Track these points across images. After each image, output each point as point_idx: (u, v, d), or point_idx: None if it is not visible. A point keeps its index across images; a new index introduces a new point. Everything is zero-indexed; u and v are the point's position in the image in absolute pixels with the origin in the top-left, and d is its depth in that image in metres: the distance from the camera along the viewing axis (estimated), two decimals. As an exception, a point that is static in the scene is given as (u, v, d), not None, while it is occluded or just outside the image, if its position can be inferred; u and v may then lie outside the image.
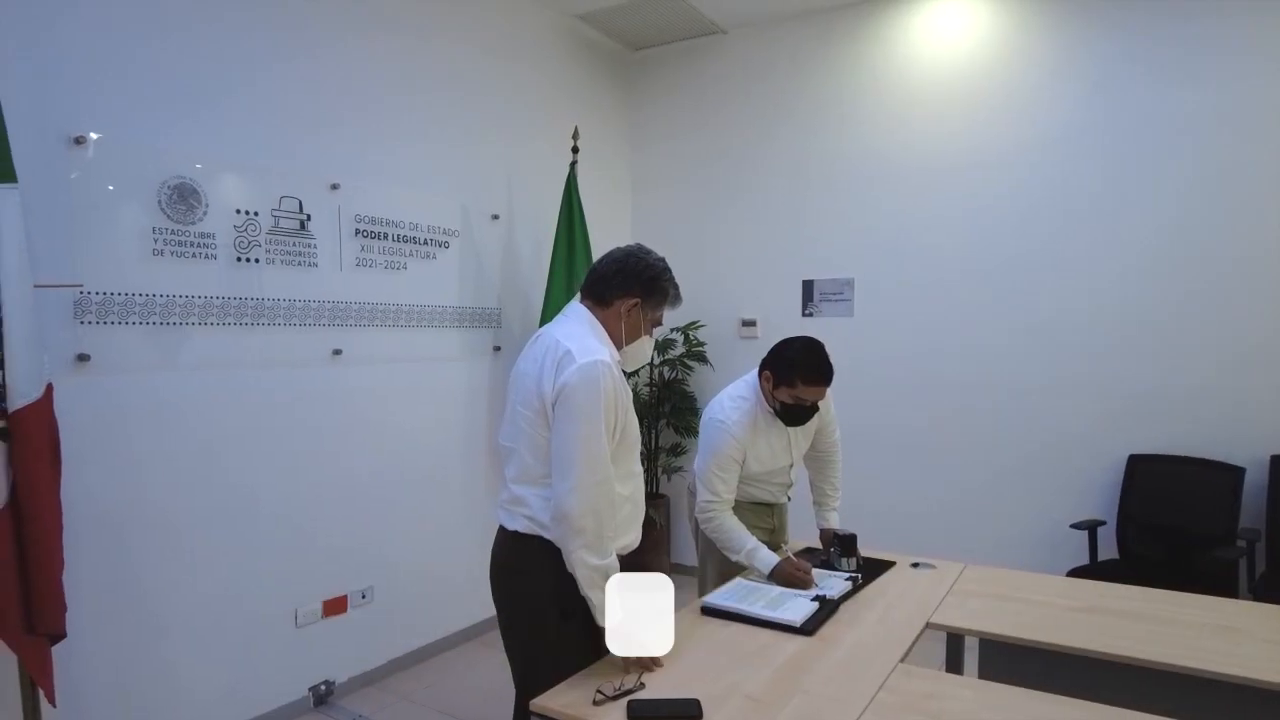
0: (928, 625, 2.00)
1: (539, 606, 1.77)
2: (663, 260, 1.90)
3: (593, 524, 1.67)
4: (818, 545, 2.65)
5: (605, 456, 1.69)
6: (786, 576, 2.23)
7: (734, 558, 2.36)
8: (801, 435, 2.54)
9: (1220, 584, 2.94)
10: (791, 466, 2.55)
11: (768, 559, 2.28)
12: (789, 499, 2.67)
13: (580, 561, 1.67)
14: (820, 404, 2.47)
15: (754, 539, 2.34)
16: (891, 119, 4.01)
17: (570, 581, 1.71)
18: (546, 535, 1.74)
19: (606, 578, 1.70)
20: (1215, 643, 1.84)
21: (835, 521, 2.64)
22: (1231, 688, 1.68)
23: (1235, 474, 3.21)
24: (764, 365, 2.40)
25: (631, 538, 1.85)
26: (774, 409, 2.39)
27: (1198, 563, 3.14)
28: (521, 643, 1.83)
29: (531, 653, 1.80)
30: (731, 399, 2.45)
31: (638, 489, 1.87)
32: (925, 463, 3.97)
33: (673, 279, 1.91)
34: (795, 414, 2.38)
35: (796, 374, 2.30)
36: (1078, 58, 3.57)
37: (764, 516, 2.59)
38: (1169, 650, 1.79)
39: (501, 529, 1.86)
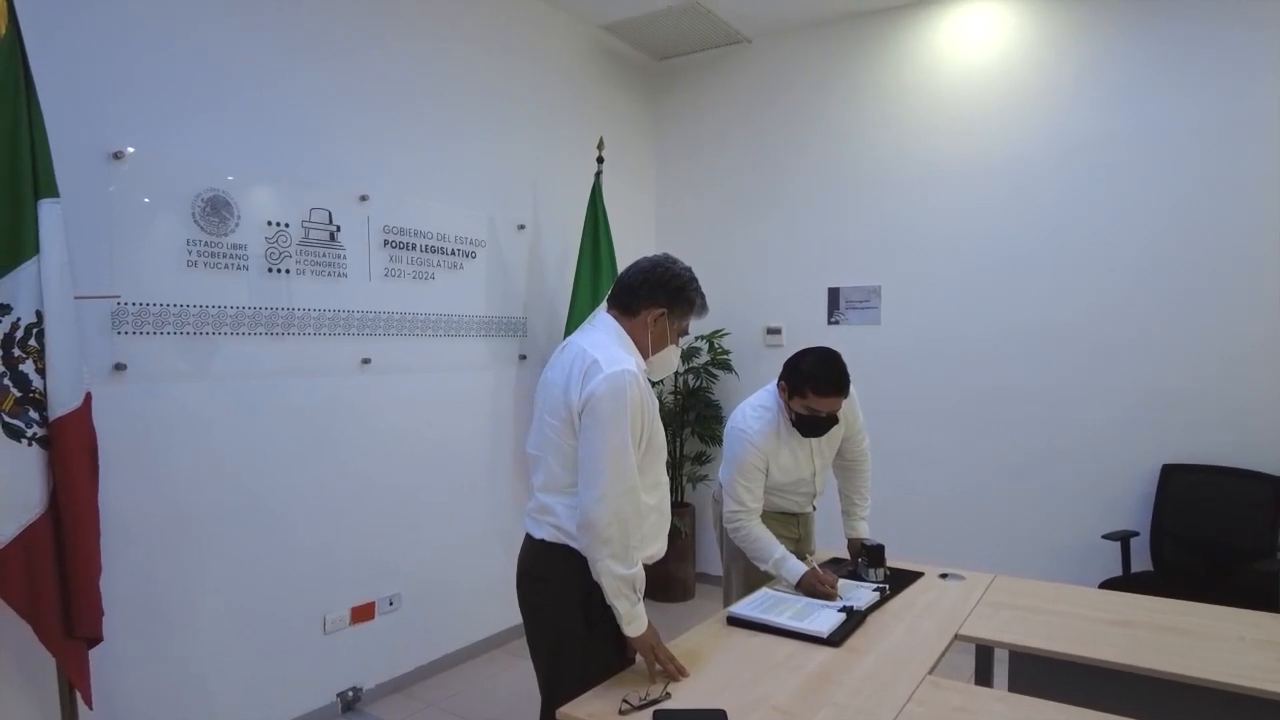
0: (956, 637, 1.98)
1: (564, 615, 1.78)
2: (689, 270, 1.90)
3: (619, 533, 1.67)
4: (844, 555, 2.63)
5: (632, 465, 1.69)
6: (812, 587, 2.22)
7: (762, 567, 2.35)
8: (825, 445, 2.51)
9: (1261, 598, 2.86)
10: (815, 476, 2.53)
11: (795, 569, 2.27)
12: (814, 508, 2.65)
13: (606, 570, 1.67)
14: (847, 412, 2.46)
15: (782, 548, 2.33)
16: (917, 126, 3.99)
17: (596, 590, 1.71)
18: (572, 544, 1.74)
19: (633, 587, 1.70)
20: (1256, 658, 1.80)
21: (864, 531, 2.61)
22: (1273, 705, 1.64)
23: (1274, 485, 3.14)
24: (780, 376, 2.40)
25: (658, 547, 1.85)
26: (791, 420, 2.38)
27: (1236, 576, 3.07)
28: (547, 651, 1.84)
29: (557, 661, 1.81)
30: (754, 408, 2.45)
31: (664, 498, 1.87)
32: (954, 472, 3.93)
33: (699, 288, 1.91)
34: (811, 425, 2.36)
35: (808, 385, 2.29)
36: (1103, 63, 3.53)
37: (789, 526, 2.58)
38: (1207, 665, 1.75)
39: (528, 537, 1.87)
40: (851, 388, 2.38)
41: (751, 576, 2.44)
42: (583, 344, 1.78)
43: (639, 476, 1.72)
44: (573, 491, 1.74)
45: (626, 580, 1.69)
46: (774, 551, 2.31)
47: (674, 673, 1.71)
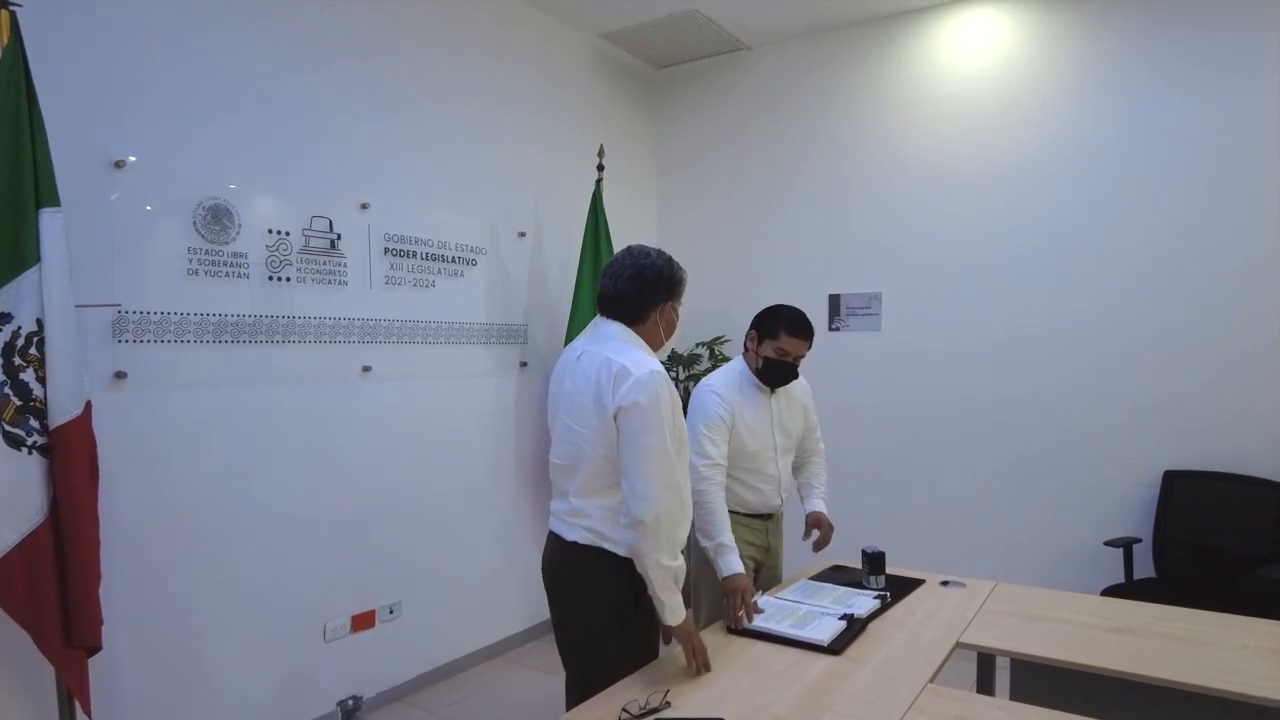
0: (958, 645, 1.97)
1: (599, 616, 1.82)
2: (660, 253, 1.94)
3: (667, 528, 1.73)
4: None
5: (673, 462, 1.75)
6: (732, 591, 2.13)
7: (704, 541, 2.28)
8: (788, 420, 2.55)
9: (1265, 605, 2.84)
10: (777, 454, 2.51)
11: (731, 564, 2.18)
12: (780, 502, 2.57)
13: (655, 564, 1.73)
14: (807, 405, 2.60)
15: (731, 537, 2.24)
16: (918, 132, 3.99)
17: (625, 591, 1.76)
18: (605, 546, 1.80)
19: (675, 579, 1.77)
20: (1260, 666, 1.79)
21: (820, 506, 2.62)
22: (1277, 713, 1.63)
23: (1277, 491, 3.12)
24: (750, 327, 2.49)
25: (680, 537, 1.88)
26: (757, 368, 2.45)
27: (1240, 583, 3.06)
28: (582, 651, 1.87)
29: (591, 662, 1.84)
30: (716, 374, 2.54)
31: (685, 491, 1.90)
32: (955, 478, 3.91)
33: (677, 264, 1.97)
34: (777, 371, 2.43)
35: (781, 325, 2.41)
36: (1102, 69, 3.54)
37: (757, 532, 2.53)
38: (1210, 673, 1.74)
39: (557, 539, 1.90)
40: (808, 385, 2.64)
41: (719, 591, 2.35)
42: (604, 353, 1.82)
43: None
44: (609, 494, 1.80)
45: (672, 572, 1.75)
46: (721, 534, 2.24)
47: (702, 665, 1.78)
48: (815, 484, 2.68)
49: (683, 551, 1.82)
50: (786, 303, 2.54)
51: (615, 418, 1.75)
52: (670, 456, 1.74)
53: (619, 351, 1.80)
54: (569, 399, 1.87)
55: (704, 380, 2.51)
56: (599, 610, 1.82)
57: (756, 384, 2.48)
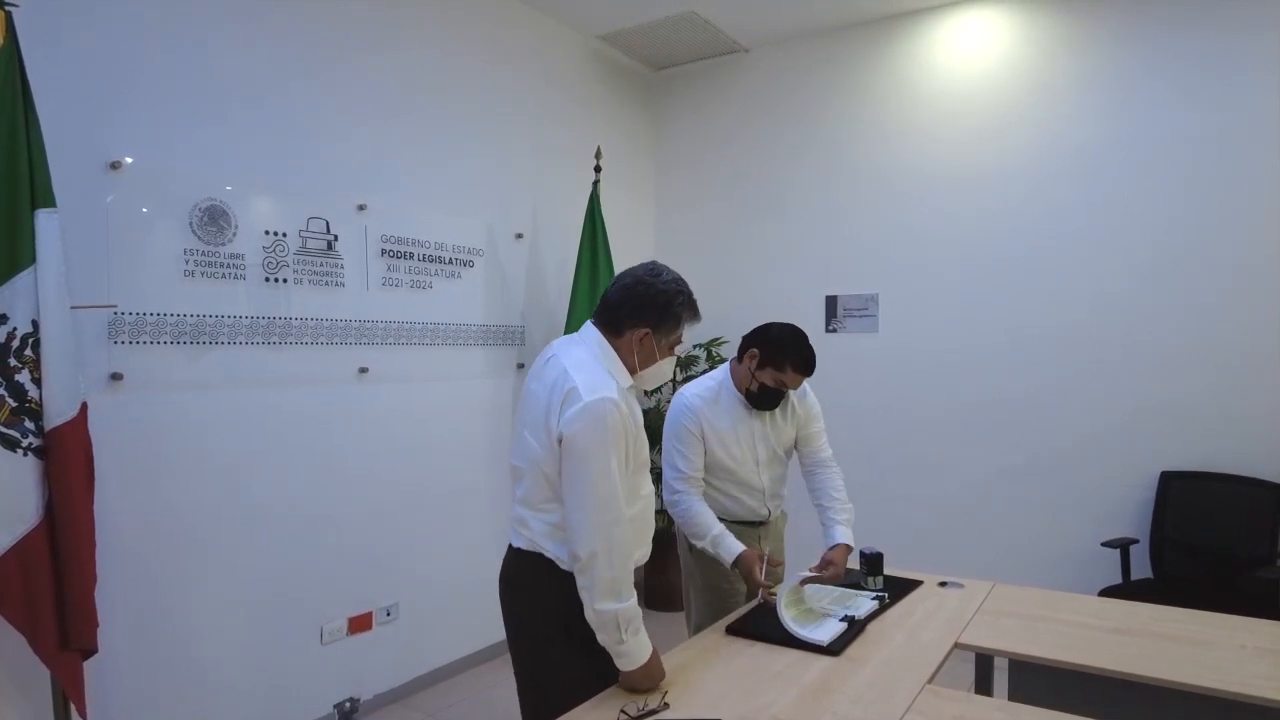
0: (956, 645, 1.97)
1: (543, 622, 1.76)
2: (675, 281, 1.80)
3: (604, 567, 1.61)
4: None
5: (616, 496, 1.64)
6: (750, 571, 2.15)
7: (698, 543, 2.25)
8: (772, 433, 2.42)
9: (1261, 605, 2.85)
10: (760, 466, 2.41)
11: (733, 547, 2.17)
12: (770, 513, 2.50)
13: (586, 605, 1.64)
14: (800, 408, 2.45)
15: (721, 525, 2.23)
16: (915, 134, 4.00)
17: (576, 601, 1.67)
18: (546, 555, 1.74)
19: (618, 624, 1.62)
20: (1258, 666, 1.79)
21: (841, 536, 2.38)
22: (1275, 713, 1.63)
23: (1274, 491, 3.13)
24: (748, 343, 2.32)
25: (640, 553, 1.81)
26: (748, 389, 2.32)
27: (1237, 583, 3.06)
28: (528, 659, 1.83)
29: (538, 671, 1.79)
30: (695, 383, 2.44)
31: (647, 507, 1.83)
32: (953, 480, 3.92)
33: (687, 300, 1.80)
34: (769, 397, 2.32)
35: (788, 359, 2.24)
36: (1100, 70, 3.55)
37: (750, 540, 2.39)
38: (1208, 673, 1.74)
39: (509, 545, 1.86)
40: (810, 391, 2.47)
41: (710, 595, 2.38)
42: (565, 363, 1.72)
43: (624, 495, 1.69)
44: (547, 508, 1.72)
45: (610, 616, 1.62)
46: (711, 528, 2.21)
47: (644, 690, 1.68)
48: (831, 506, 2.44)
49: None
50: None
51: (559, 442, 1.65)
52: (613, 490, 1.63)
53: (579, 365, 1.70)
54: (529, 402, 1.77)
55: (681, 389, 2.42)
56: (545, 618, 1.75)
57: (738, 396, 2.36)
